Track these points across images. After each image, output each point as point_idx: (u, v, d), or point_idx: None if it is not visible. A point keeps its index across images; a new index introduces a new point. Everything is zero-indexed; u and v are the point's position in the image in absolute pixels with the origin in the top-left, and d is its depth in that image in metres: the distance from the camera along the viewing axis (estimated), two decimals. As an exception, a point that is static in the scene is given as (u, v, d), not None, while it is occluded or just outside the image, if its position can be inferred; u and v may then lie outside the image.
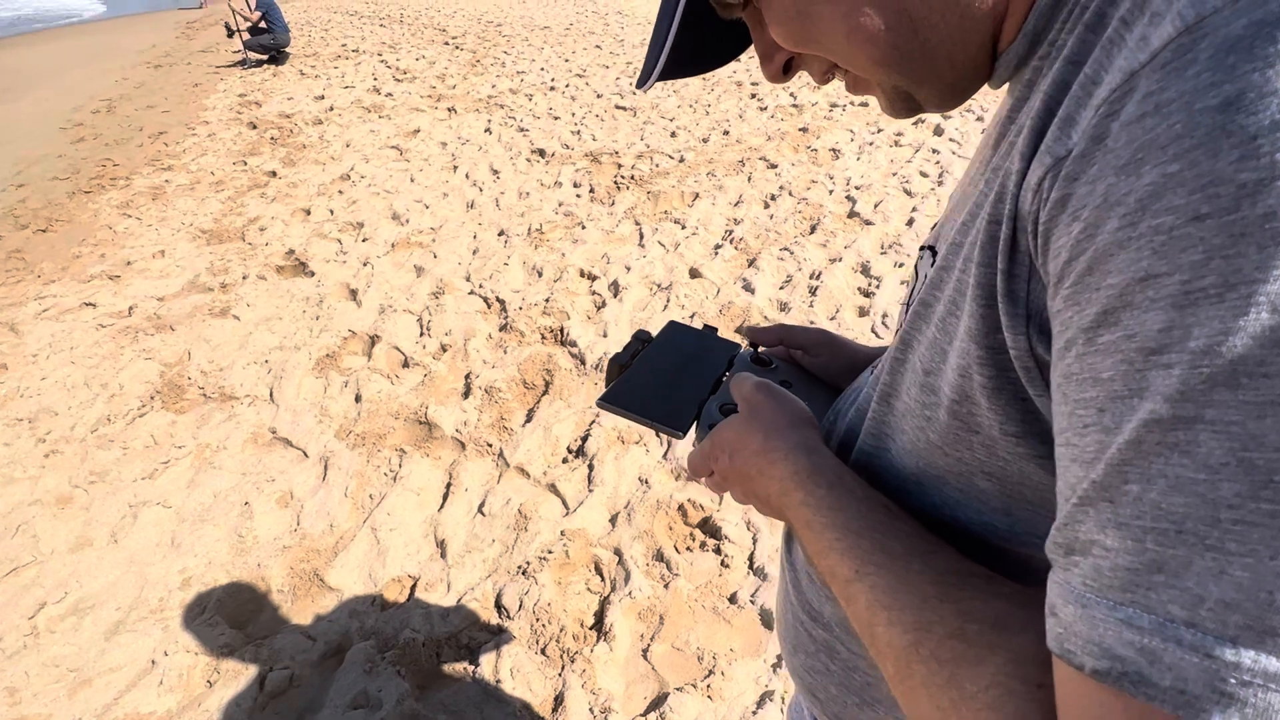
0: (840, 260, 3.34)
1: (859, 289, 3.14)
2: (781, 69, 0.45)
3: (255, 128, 6.14)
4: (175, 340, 2.99)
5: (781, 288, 3.17)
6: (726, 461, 0.53)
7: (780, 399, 0.54)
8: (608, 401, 0.65)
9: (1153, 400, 0.24)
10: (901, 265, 3.26)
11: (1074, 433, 0.27)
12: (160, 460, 2.31)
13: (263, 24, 8.85)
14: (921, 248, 0.53)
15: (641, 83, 0.47)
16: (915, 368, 0.42)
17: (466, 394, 2.58)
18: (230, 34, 9.25)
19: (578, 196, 4.32)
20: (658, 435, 2.29)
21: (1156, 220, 0.24)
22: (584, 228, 3.86)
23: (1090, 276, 0.26)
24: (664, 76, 0.47)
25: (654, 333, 0.76)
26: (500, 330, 2.97)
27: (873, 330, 2.81)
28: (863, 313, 2.96)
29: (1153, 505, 0.24)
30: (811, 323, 2.85)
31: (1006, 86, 0.39)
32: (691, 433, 0.64)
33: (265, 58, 9.05)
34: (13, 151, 5.85)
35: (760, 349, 0.74)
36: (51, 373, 2.79)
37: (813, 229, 3.70)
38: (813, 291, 3.09)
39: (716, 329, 0.79)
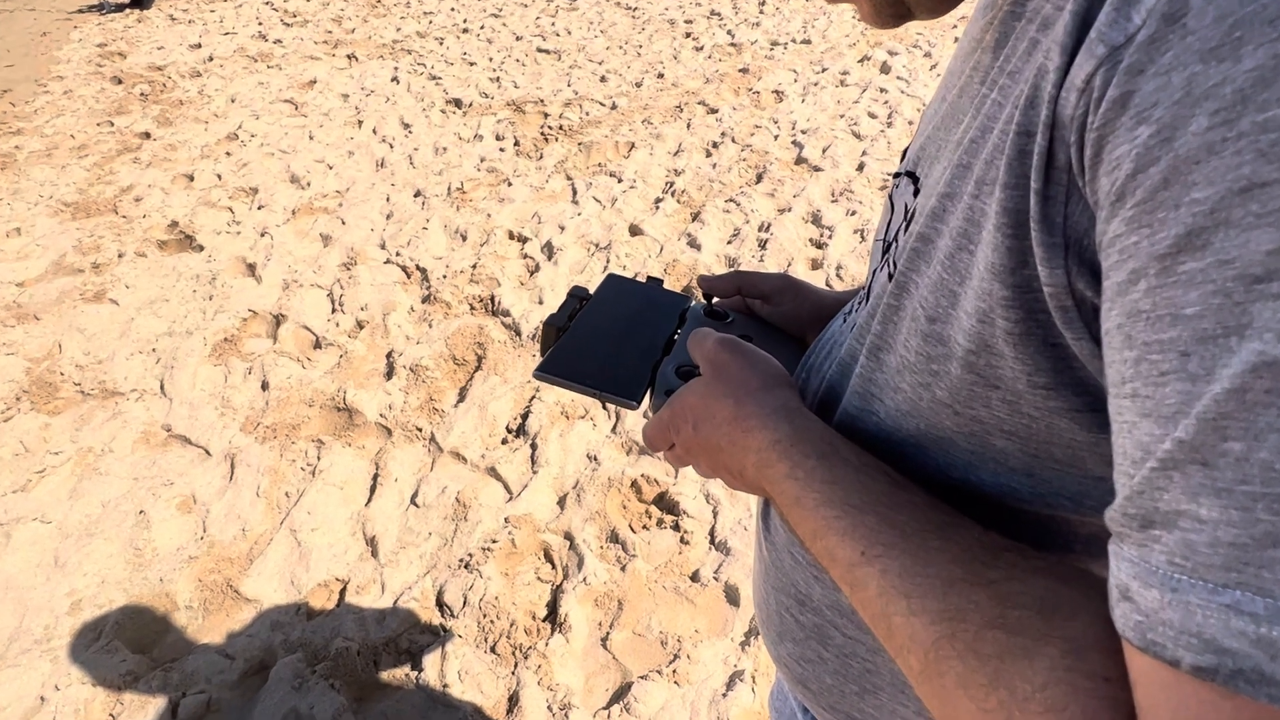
0: (789, 210, 3.35)
1: (810, 240, 3.16)
2: None
3: (121, 83, 5.71)
4: (42, 331, 2.78)
5: (729, 242, 3.16)
6: (690, 432, 0.50)
7: (748, 355, 0.51)
8: (546, 371, 0.61)
9: (1259, 339, 0.21)
10: (854, 213, 3.29)
11: (1144, 382, 0.24)
12: (34, 469, 2.16)
13: (121, -39, 8.20)
14: (897, 175, 0.50)
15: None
16: (915, 315, 0.39)
17: (389, 374, 2.49)
18: (82, -26, 8.54)
19: (501, 150, 4.19)
20: (605, 406, 2.26)
21: (1265, 114, 0.21)
22: (510, 185, 3.75)
23: (1166, 191, 0.23)
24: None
25: (592, 289, 0.73)
26: (423, 302, 2.87)
27: (826, 283, 2.83)
28: (816, 265, 2.98)
29: (1264, 467, 0.21)
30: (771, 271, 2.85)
31: None
32: (646, 401, 0.61)
33: (127, 2, 8.41)
34: None
35: (714, 301, 0.71)
36: (-109, 376, 2.56)
37: (759, 178, 3.69)
38: (762, 245, 3.09)
39: (661, 280, 0.76)
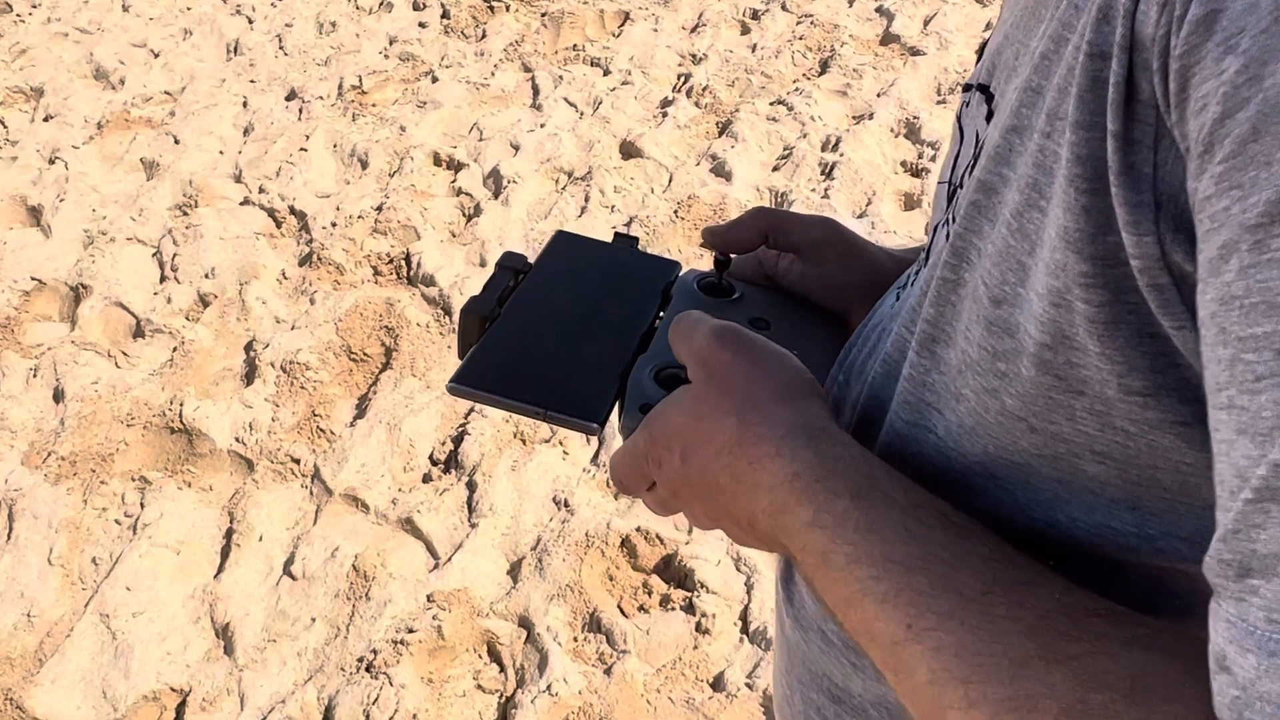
0: (871, 117, 3.41)
1: (903, 164, 3.22)
2: None
3: None
4: None
5: (776, 168, 3.22)
6: (676, 465, 0.54)
7: (757, 351, 0.56)
8: (464, 384, 0.65)
9: None
10: (970, 121, 3.35)
11: (1239, 389, 0.28)
12: None
13: None
14: (966, 87, 0.56)
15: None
16: (977, 294, 0.44)
17: (250, 377, 2.58)
18: None
19: (422, 25, 4.26)
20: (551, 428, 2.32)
21: None
22: (435, 80, 3.83)
23: (1257, 144, 0.27)
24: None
25: (534, 256, 0.77)
26: (301, 265, 2.95)
27: (925, 230, 2.89)
28: (911, 203, 3.05)
29: None
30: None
31: None
32: (614, 421, 0.67)
33: None
34: None
35: (717, 256, 0.75)
36: None
37: (823, 67, 3.75)
38: (827, 171, 3.16)
39: (636, 239, 0.81)
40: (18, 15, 4.55)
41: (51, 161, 3.47)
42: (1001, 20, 0.55)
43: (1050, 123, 0.38)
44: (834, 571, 0.45)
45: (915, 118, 3.40)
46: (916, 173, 3.17)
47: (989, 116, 0.49)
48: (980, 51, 0.58)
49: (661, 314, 0.72)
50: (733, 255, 0.75)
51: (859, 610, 0.44)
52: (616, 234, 0.80)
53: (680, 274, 0.76)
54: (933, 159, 3.19)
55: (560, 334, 0.70)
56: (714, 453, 0.52)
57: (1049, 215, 0.38)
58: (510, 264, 0.73)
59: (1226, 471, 0.30)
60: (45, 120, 3.73)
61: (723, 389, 0.54)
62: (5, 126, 3.70)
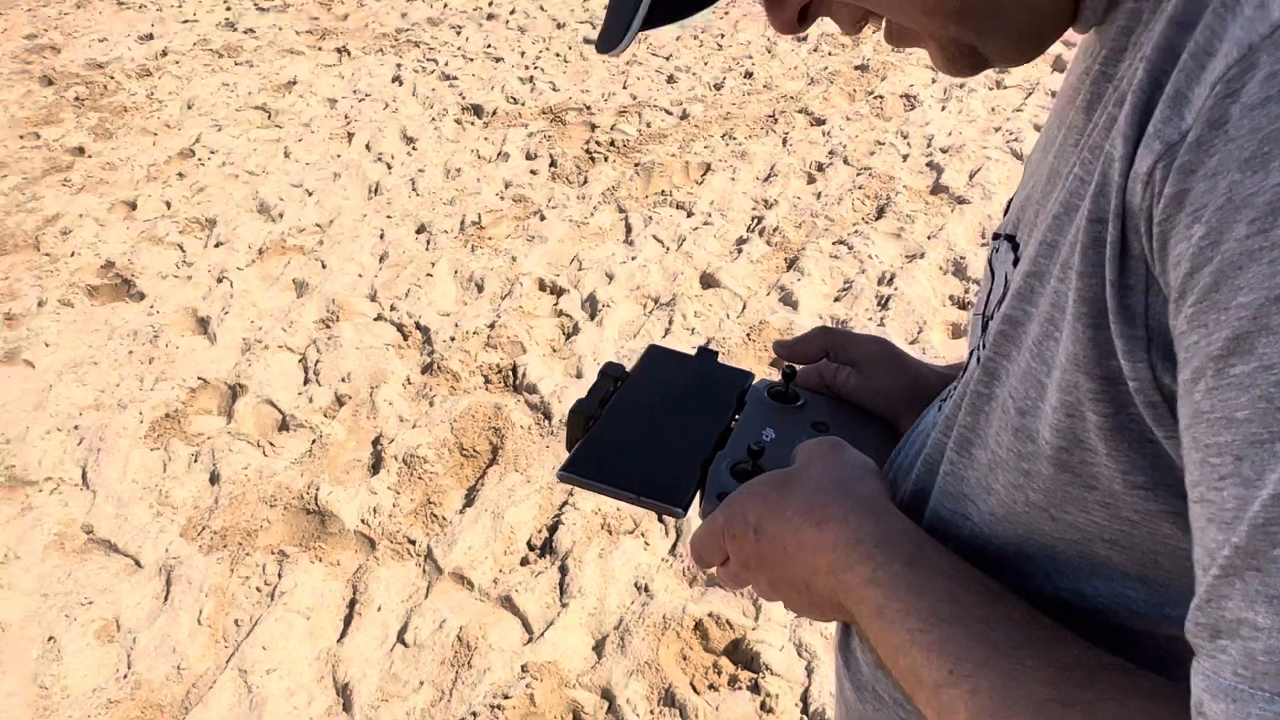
0: (922, 257, 3.44)
1: (951, 298, 3.24)
2: (796, 18, 0.52)
3: (52, 84, 6.27)
4: (-62, 400, 3.04)
5: (837, 299, 3.26)
6: (749, 539, 0.58)
7: (837, 447, 0.60)
8: (572, 471, 0.69)
9: None
10: (1011, 261, 3.36)
11: (1208, 486, 0.32)
12: (-80, 578, 2.35)
13: (61, -68, 9.10)
14: (996, 236, 0.60)
15: (608, 46, 0.52)
16: (1005, 406, 0.48)
17: (376, 468, 2.64)
18: (12, -52, 9.49)
19: (533, 173, 4.43)
20: (660, 518, 2.34)
21: None
22: (543, 218, 3.96)
23: (1217, 293, 0.32)
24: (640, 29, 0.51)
25: (630, 366, 0.81)
26: (423, 372, 3.04)
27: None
28: (958, 332, 3.05)
29: None
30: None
31: (1095, 30, 0.47)
32: (695, 505, 0.70)
33: (64, -19, 9.26)
34: None
35: (784, 367, 0.79)
36: None
37: (880, 212, 3.81)
38: (883, 303, 3.18)
39: (716, 352, 0.85)
40: (199, 160, 4.85)
41: (219, 280, 3.65)
42: (1024, 182, 0.60)
43: (1063, 271, 0.42)
44: (888, 623, 0.49)
45: (962, 258, 3.42)
46: (963, 306, 3.18)
47: (1015, 262, 0.53)
48: (1007, 207, 0.62)
49: (737, 416, 0.75)
50: (798, 367, 0.78)
51: (908, 657, 0.47)
52: (700, 348, 0.84)
53: (753, 383, 0.79)
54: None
55: (651, 432, 0.73)
56: (785, 519, 0.56)
57: (1062, 344, 0.42)
58: (610, 372, 0.78)
59: (1200, 552, 0.33)
60: (216, 246, 3.93)
61: (800, 473, 0.58)
62: (183, 251, 3.91)
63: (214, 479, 2.63)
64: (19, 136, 5.37)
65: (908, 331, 3.04)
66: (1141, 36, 0.41)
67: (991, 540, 0.51)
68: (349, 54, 6.55)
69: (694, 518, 0.69)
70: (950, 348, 2.96)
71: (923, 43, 0.50)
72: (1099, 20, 0.45)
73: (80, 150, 5.09)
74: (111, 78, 6.31)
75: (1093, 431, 0.41)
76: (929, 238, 3.58)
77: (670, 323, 3.16)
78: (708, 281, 3.42)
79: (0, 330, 3.42)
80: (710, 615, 2.12)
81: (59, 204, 4.43)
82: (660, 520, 2.37)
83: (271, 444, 2.77)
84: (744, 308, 3.24)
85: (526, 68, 5.97)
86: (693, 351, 0.84)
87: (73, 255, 3.93)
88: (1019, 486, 0.47)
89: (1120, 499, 0.42)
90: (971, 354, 0.58)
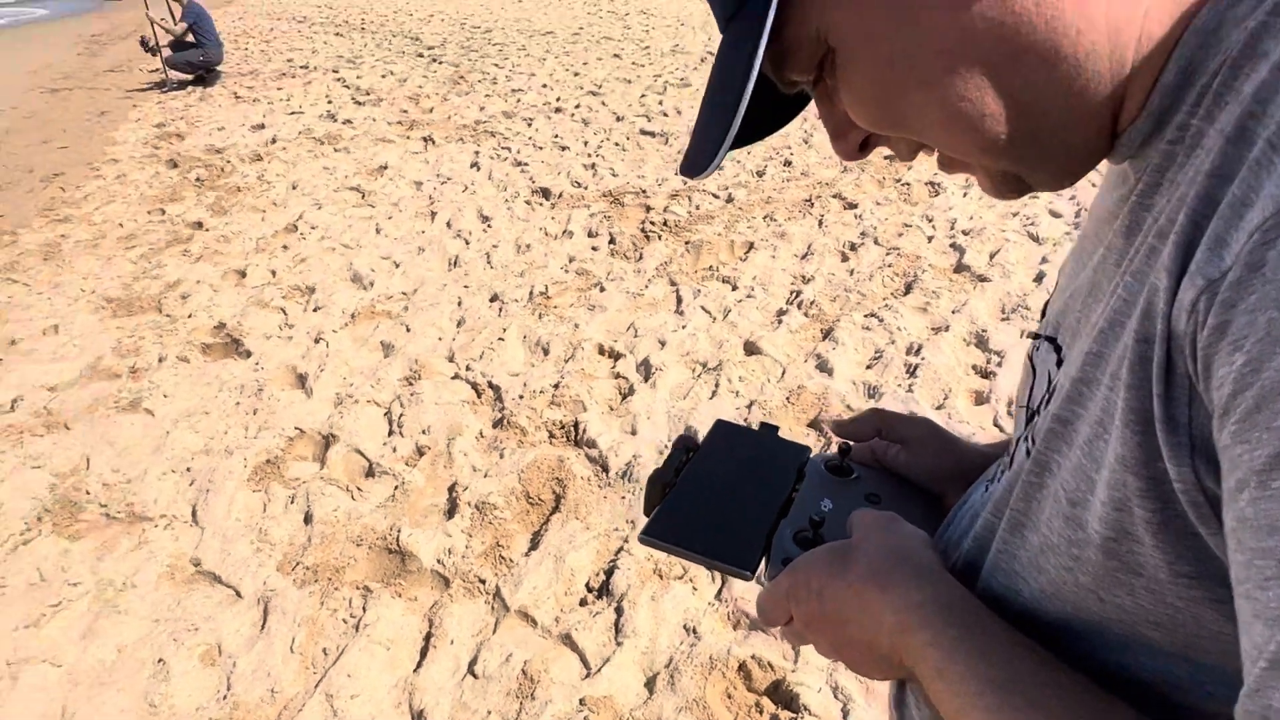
0: (947, 329, 3.42)
1: (974, 367, 3.20)
2: (858, 147, 0.54)
3: (176, 166, 6.51)
4: (71, 443, 3.12)
5: (869, 367, 3.24)
6: (814, 602, 0.58)
7: (895, 522, 0.60)
8: (652, 535, 0.70)
9: None
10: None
11: (1254, 585, 0.33)
12: (49, 603, 2.39)
13: (189, 37, 9.51)
14: (1035, 335, 0.60)
15: (696, 170, 0.53)
16: (1057, 496, 0.48)
17: (451, 512, 2.65)
18: (148, 50, 9.92)
19: (594, 249, 4.50)
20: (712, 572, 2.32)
21: None
22: (603, 290, 4.00)
23: (1259, 414, 0.33)
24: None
25: (700, 437, 0.82)
26: (495, 426, 3.06)
27: (995, 422, 2.85)
28: (980, 399, 3.01)
29: None
30: (911, 413, 2.90)
31: (1128, 162, 0.48)
32: (761, 569, 0.70)
33: (191, 78, 9.67)
34: None
35: (840, 443, 0.79)
36: (-89, 486, 2.92)
37: (908, 288, 3.80)
38: (911, 371, 3.16)
39: (777, 427, 0.85)
40: (301, 234, 4.99)
41: (316, 341, 3.73)
42: (1060, 289, 0.60)
43: (1111, 381, 0.43)
44: (947, 684, 0.49)
45: (983, 331, 3.39)
46: (985, 375, 3.15)
47: (1059, 363, 0.53)
48: (1044, 311, 0.62)
49: (797, 487, 0.75)
50: (852, 443, 0.79)
51: (967, 718, 0.47)
52: (762, 424, 0.84)
53: (811, 456, 0.79)
54: (998, 364, 3.16)
55: (721, 500, 0.74)
56: (847, 584, 0.56)
57: (1111, 446, 0.42)
58: (684, 444, 0.79)
59: (1247, 644, 0.34)
60: (314, 311, 4.03)
61: (861, 543, 0.58)
62: (286, 314, 4.01)
63: (308, 519, 2.66)
64: (147, 212, 5.58)
65: (934, 398, 3.01)
66: (1177, 175, 0.41)
67: (1042, 614, 0.51)
68: (434, 143, 6.74)
69: (755, 580, 0.69)
70: (974, 414, 2.92)
71: (972, 171, 0.51)
72: (1131, 155, 0.46)
73: (199, 225, 5.27)
74: (228, 161, 6.55)
75: (1140, 525, 0.41)
76: (953, 312, 3.56)
77: (717, 386, 3.16)
78: (751, 349, 3.42)
79: (126, 381, 3.52)
80: (753, 657, 2.09)
81: (179, 271, 4.58)
82: (713, 574, 2.35)
83: (359, 489, 2.81)
84: (784, 373, 3.24)
85: (589, 155, 6.09)
86: (757, 425, 0.84)
87: (190, 317, 4.05)
88: (1069, 569, 0.47)
89: (1166, 586, 0.42)
90: (1017, 442, 0.58)
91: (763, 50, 0.46)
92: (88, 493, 2.85)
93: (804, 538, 0.67)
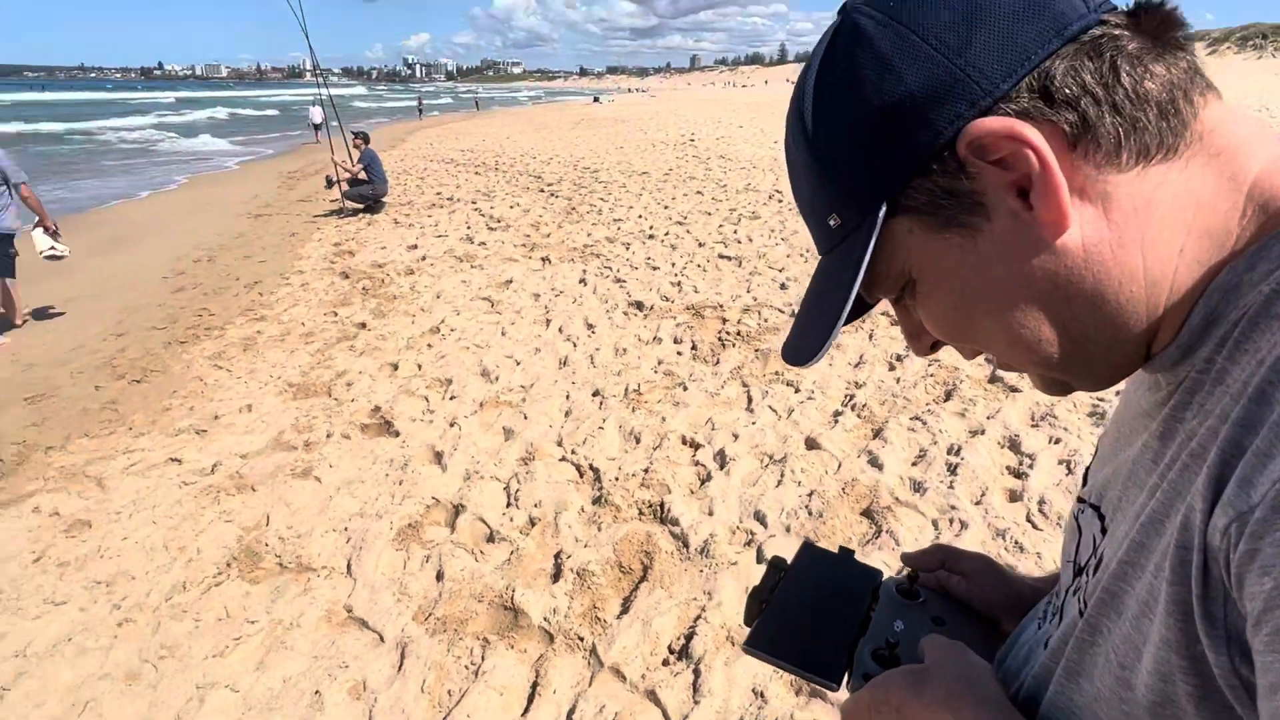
0: (983, 433, 3.33)
1: (1007, 468, 3.10)
2: (929, 347, 0.56)
3: (348, 277, 6.89)
4: (256, 502, 3.26)
5: (914, 464, 3.17)
6: (893, 717, 0.58)
7: (961, 655, 0.60)
8: (755, 647, 0.70)
9: None
10: (1058, 441, 3.21)
11: None
12: (232, 636, 2.47)
13: (362, 175, 10.15)
14: (1081, 501, 0.60)
15: (803, 359, 0.55)
16: (1108, 657, 0.47)
17: (556, 576, 2.66)
18: (330, 185, 10.63)
19: (679, 354, 4.55)
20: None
21: None
22: (686, 389, 4.03)
23: None
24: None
25: (788, 557, 0.82)
26: (594, 503, 3.08)
27: (1028, 518, 2.74)
28: (1014, 496, 2.90)
29: None
30: (953, 507, 2.82)
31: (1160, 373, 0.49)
32: (844, 681, 0.69)
33: (362, 207, 10.28)
34: (118, 300, 6.78)
35: (908, 571, 0.79)
36: (133, 533, 3.08)
37: (948, 395, 3.73)
38: (952, 470, 3.07)
39: (853, 551, 0.85)
40: (442, 335, 5.18)
41: (451, 425, 3.84)
42: (1100, 459, 0.59)
43: (1156, 571, 0.43)
44: None
45: (1016, 435, 3.29)
46: (1018, 475, 3.04)
47: (1103, 531, 0.53)
48: (1085, 477, 0.62)
49: (873, 607, 0.75)
50: (920, 571, 0.78)
51: None
52: (841, 548, 0.85)
53: (884, 579, 0.79)
54: (1029, 466, 3.05)
55: (810, 616, 0.74)
56: (924, 705, 0.56)
57: (1155, 627, 0.42)
58: (778, 564, 0.80)
59: None
60: (450, 399, 4.16)
61: (936, 669, 0.59)
62: (428, 401, 4.15)
63: (439, 576, 2.71)
64: (323, 314, 5.89)
65: (973, 494, 2.92)
66: (1205, 402, 0.43)
67: None
68: (549, 262, 6.97)
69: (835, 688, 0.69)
70: (1009, 509, 2.82)
71: (1026, 371, 0.52)
72: (1166, 370, 0.47)
73: (363, 325, 5.54)
74: (387, 275, 6.89)
75: (1183, 696, 0.41)
76: (988, 418, 3.47)
77: (782, 476, 3.13)
78: (811, 444, 3.39)
79: (300, 453, 3.68)
80: (813, 722, 2.02)
81: (346, 363, 4.80)
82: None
83: (481, 552, 2.84)
84: (839, 466, 3.19)
85: (676, 275, 6.21)
86: (835, 549, 0.85)
87: (352, 401, 4.22)
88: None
89: None
90: (1067, 592, 0.58)
91: (859, 284, 0.49)
92: (266, 544, 2.96)
93: (881, 656, 0.67)
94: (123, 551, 2.97)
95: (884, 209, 0.47)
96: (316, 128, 24.32)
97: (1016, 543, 2.60)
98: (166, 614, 2.60)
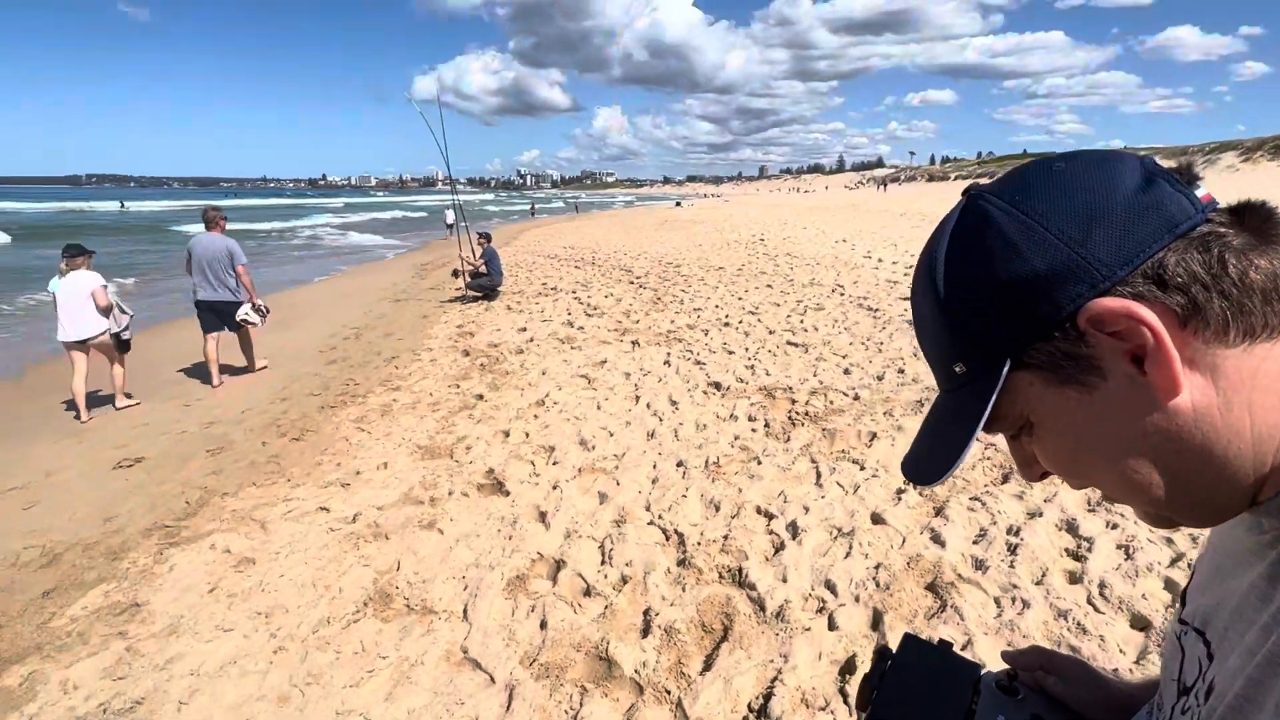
0: (1040, 515, 3.14)
1: (1066, 550, 2.90)
2: (1039, 475, 0.55)
3: (468, 355, 7.15)
4: (389, 549, 3.35)
5: (975, 542, 3.00)
6: None
7: None
8: None
9: None
10: (1115, 526, 2.99)
11: None
12: (366, 669, 2.51)
13: (483, 268, 10.64)
14: (1183, 622, 0.57)
15: (928, 479, 0.53)
16: None
17: (645, 632, 2.61)
18: (455, 276, 11.17)
19: (753, 430, 4.50)
20: (851, 709, 2.14)
21: None
22: (759, 463, 3.97)
23: None
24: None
25: (891, 645, 0.80)
26: (678, 565, 3.03)
27: (1089, 600, 2.54)
28: (1074, 578, 2.71)
29: None
30: (1014, 586, 2.65)
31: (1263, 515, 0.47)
32: None
33: (481, 295, 10.74)
34: (284, 369, 7.22)
35: (1008, 669, 0.75)
36: (288, 570, 3.20)
37: (1005, 478, 3.55)
38: (1012, 549, 2.90)
39: (951, 644, 0.82)
40: (546, 408, 5.28)
41: (554, 488, 3.88)
42: (1200, 585, 0.56)
43: (1275, 711, 0.41)
44: None
45: (1073, 519, 3.09)
46: (1077, 557, 2.84)
47: (1210, 656, 0.50)
48: (1184, 597, 0.58)
49: (976, 701, 0.72)
50: (1018, 670, 0.75)
51: None
52: (940, 640, 0.81)
53: (983, 673, 0.76)
54: (1088, 549, 2.85)
55: (917, 708, 0.71)
56: None
57: None
58: (883, 653, 0.77)
59: None
60: (554, 464, 4.21)
61: None
62: (534, 466, 4.21)
63: (543, 625, 2.69)
64: (447, 386, 6.10)
65: (1033, 574, 2.74)
66: None
67: None
68: (639, 345, 7.07)
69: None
70: (1069, 591, 2.62)
71: (1133, 507, 0.51)
72: (1272, 516, 0.45)
73: (480, 397, 5.70)
74: (501, 353, 7.11)
75: None
76: (1045, 501, 3.28)
77: (850, 549, 3.01)
78: (876, 519, 3.26)
79: (426, 507, 3.77)
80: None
81: (465, 429, 4.94)
82: (845, 702, 2.18)
83: (579, 605, 2.82)
84: (904, 542, 3.05)
85: (749, 359, 6.20)
86: (935, 641, 0.81)
87: (470, 463, 4.32)
88: None
89: None
90: (1173, 709, 0.54)
91: (982, 425, 0.49)
92: (397, 587, 3.02)
93: None
94: (280, 587, 3.08)
95: (1008, 365, 0.48)
96: (450, 227, 25.76)
97: (1079, 624, 2.42)
98: (313, 645, 2.66)
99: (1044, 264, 0.44)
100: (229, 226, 7.15)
